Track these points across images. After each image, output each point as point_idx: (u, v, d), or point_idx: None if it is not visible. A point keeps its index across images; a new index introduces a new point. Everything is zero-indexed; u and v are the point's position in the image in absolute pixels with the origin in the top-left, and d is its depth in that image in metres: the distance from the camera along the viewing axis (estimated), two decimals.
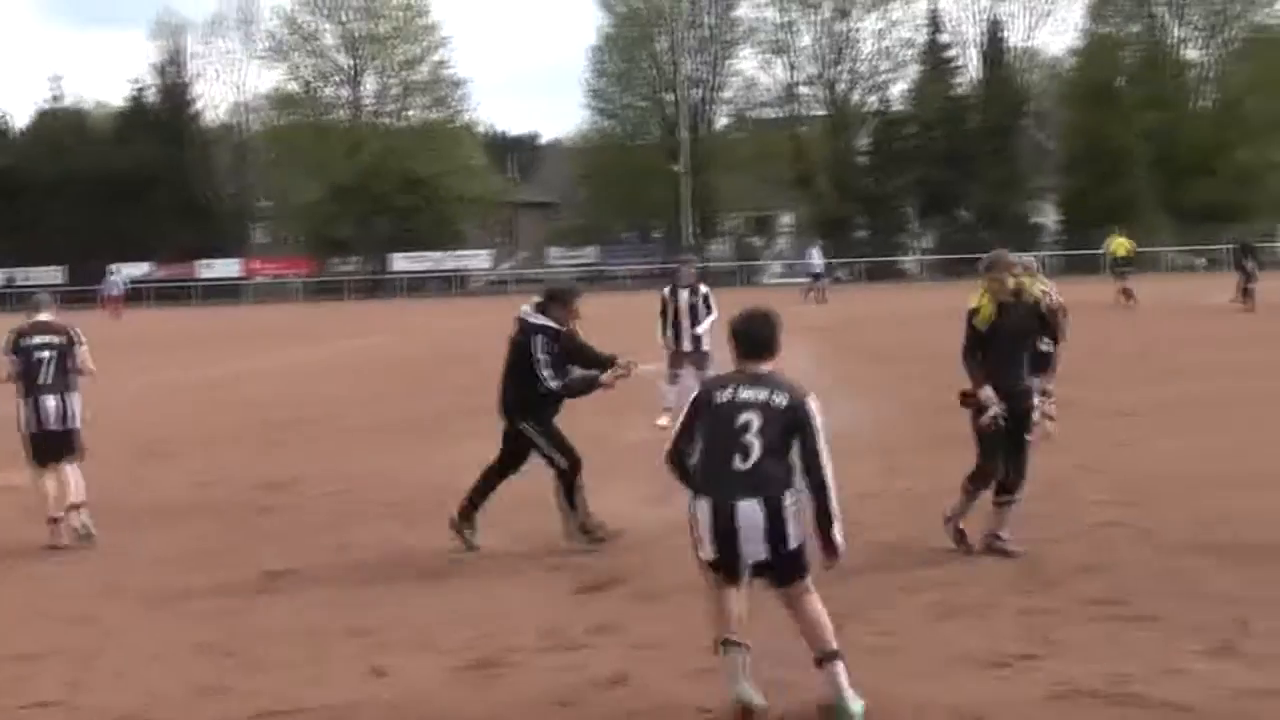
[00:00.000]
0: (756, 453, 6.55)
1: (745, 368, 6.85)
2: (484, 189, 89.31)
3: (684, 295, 18.44)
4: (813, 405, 6.65)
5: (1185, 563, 9.29)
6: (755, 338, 6.95)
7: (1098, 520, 10.69)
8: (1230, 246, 50.37)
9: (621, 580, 9.34)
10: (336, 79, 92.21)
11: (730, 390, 6.77)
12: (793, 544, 6.57)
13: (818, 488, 6.59)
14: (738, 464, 6.57)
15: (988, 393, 9.48)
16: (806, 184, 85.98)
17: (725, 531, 6.56)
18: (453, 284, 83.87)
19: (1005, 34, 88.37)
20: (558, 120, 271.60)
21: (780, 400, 6.64)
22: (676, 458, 6.91)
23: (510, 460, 10.77)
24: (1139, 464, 13.25)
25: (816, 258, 56.11)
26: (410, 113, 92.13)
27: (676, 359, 18.17)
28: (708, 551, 6.67)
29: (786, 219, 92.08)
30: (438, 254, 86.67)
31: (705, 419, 6.80)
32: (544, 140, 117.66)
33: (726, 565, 6.67)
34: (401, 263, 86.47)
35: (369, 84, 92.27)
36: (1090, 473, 12.80)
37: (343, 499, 13.11)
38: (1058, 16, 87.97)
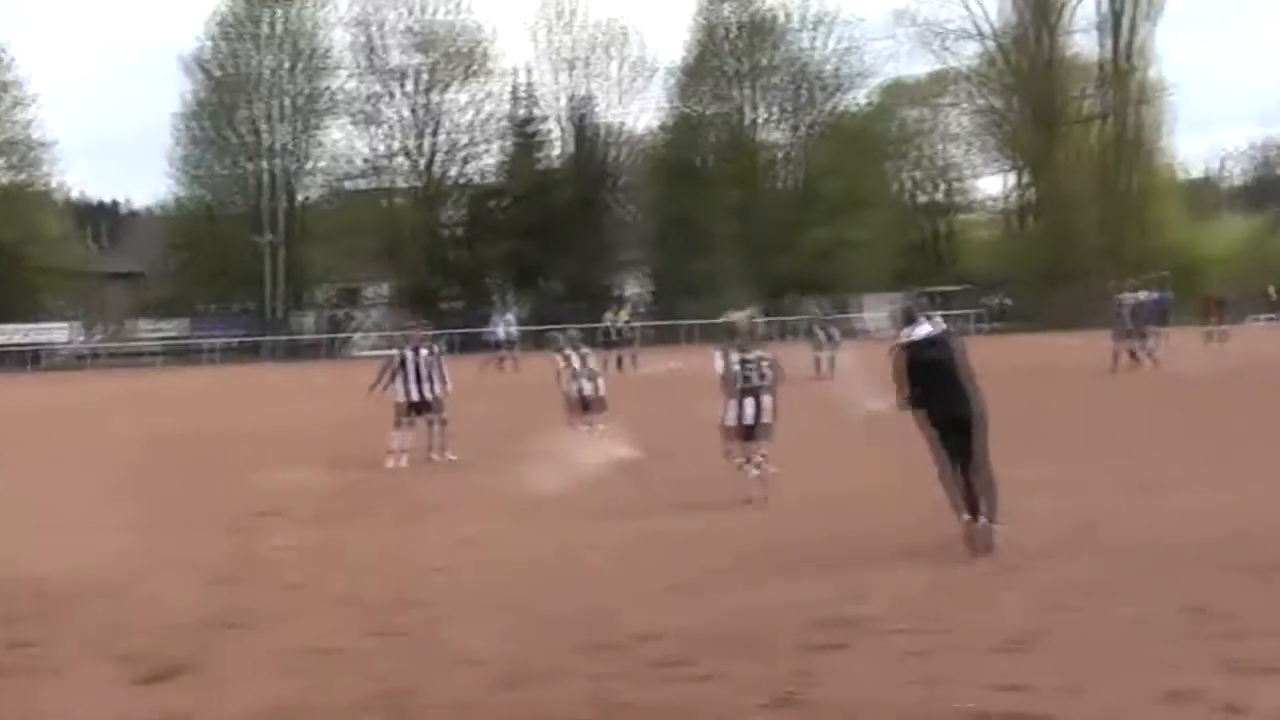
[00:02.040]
0: None
1: None
2: (67, 258, 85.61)
3: (423, 354, 21.82)
4: None
5: (749, 619, 9.54)
6: None
7: (668, 584, 10.92)
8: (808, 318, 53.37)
9: (186, 668, 9.05)
10: None
11: None
12: None
13: None
14: None
15: None
16: (396, 255, 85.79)
17: None
18: (28, 359, 78.77)
19: (593, 110, 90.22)
20: (145, 187, 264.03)
21: None
22: None
23: None
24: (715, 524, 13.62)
25: (506, 326, 55.56)
26: None
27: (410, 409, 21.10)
28: None
29: (376, 290, 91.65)
30: (12, 327, 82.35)
31: None
32: (131, 207, 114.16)
33: None
34: None
35: None
36: (658, 538, 13.11)
37: None
38: (644, 94, 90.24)
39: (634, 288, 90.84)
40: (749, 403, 15.37)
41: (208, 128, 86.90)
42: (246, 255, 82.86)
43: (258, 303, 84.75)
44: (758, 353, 15.67)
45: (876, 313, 75.61)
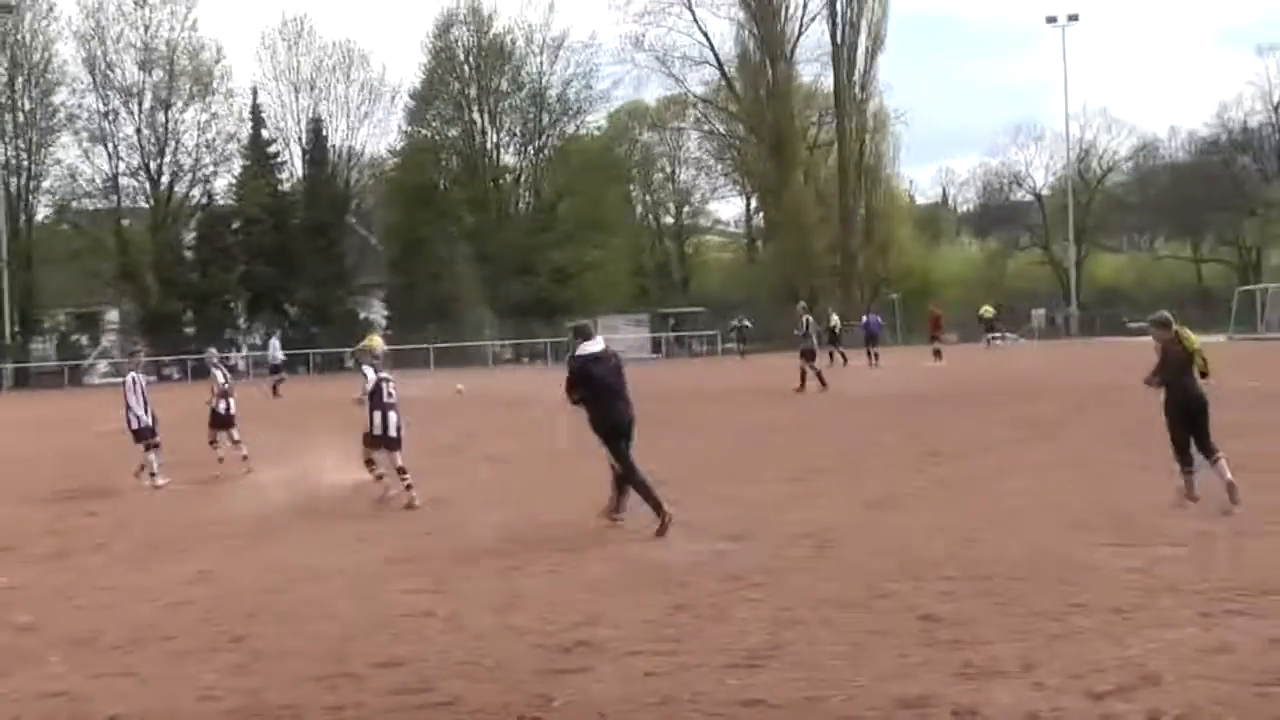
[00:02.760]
0: None
1: None
2: None
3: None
4: None
5: (491, 645, 9.47)
6: None
7: (405, 610, 10.81)
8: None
9: None
10: None
11: None
12: None
13: None
14: None
15: None
16: (132, 279, 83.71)
17: None
18: None
19: (326, 133, 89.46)
20: None
21: None
22: None
23: None
24: (449, 552, 13.56)
25: (276, 349, 54.09)
26: None
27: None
28: None
29: (113, 315, 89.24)
30: None
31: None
32: None
33: None
34: None
35: None
36: (399, 564, 13.03)
37: None
38: (377, 118, 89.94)
39: (374, 312, 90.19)
40: (392, 415, 17.52)
41: None
42: None
43: None
44: (389, 374, 18.02)
45: (614, 335, 76.32)
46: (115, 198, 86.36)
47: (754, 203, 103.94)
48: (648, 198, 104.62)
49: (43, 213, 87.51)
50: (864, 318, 61.46)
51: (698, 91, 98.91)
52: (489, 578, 12.06)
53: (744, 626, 9.67)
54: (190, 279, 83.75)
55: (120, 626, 10.77)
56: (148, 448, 20.85)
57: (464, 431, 28.77)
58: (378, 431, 17.51)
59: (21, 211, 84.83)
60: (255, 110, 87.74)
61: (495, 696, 8.19)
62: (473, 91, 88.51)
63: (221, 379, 22.95)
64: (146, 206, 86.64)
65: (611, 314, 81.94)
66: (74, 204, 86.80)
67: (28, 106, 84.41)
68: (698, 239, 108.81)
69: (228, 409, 22.70)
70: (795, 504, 15.70)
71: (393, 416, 17.51)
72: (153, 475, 20.59)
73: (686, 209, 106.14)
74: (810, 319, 38.99)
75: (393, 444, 17.54)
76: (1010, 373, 43.58)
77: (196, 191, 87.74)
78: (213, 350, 26.26)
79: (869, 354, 53.47)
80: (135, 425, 20.99)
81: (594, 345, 14.68)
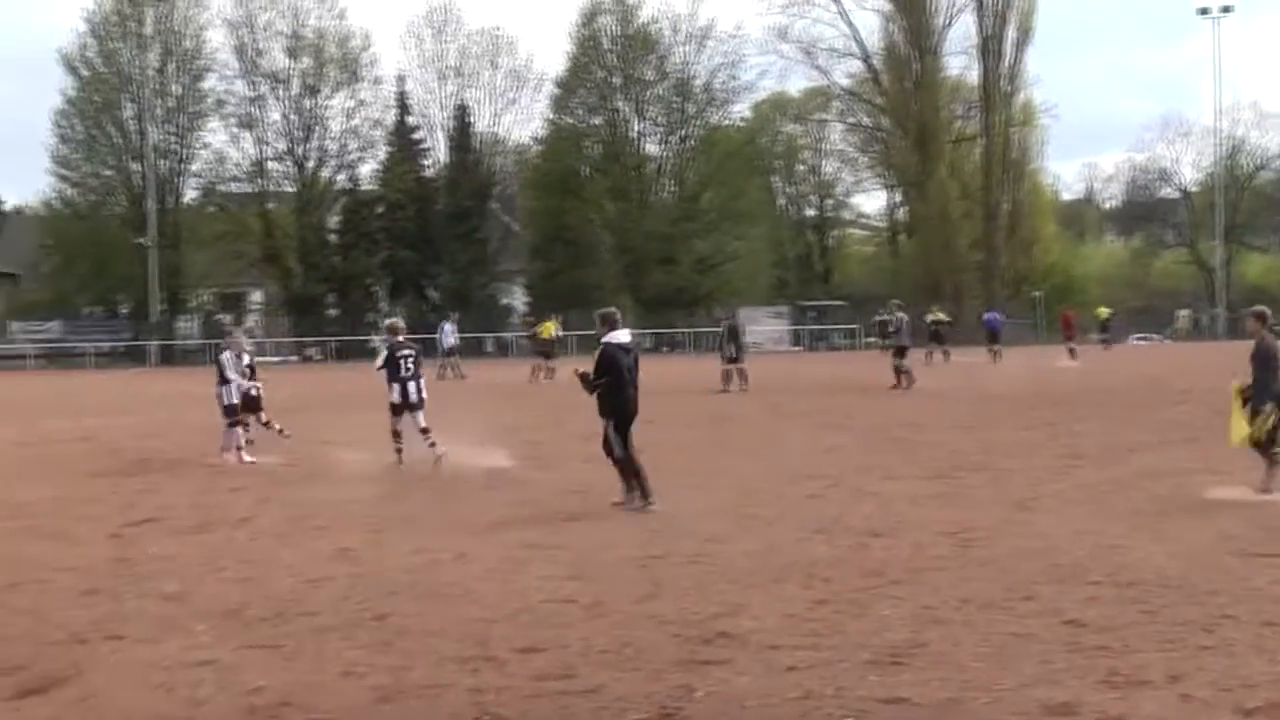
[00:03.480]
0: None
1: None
2: None
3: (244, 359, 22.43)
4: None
5: (633, 634, 9.46)
6: None
7: (547, 596, 10.85)
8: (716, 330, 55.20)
9: (61, 681, 8.86)
10: None
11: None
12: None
13: None
14: None
15: None
16: (276, 261, 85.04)
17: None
18: None
19: (471, 119, 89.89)
20: (21, 186, 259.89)
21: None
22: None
23: None
24: (591, 539, 13.63)
25: (450, 333, 54.71)
26: None
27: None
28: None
29: (257, 296, 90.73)
30: None
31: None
32: (7, 207, 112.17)
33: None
34: None
35: None
36: (541, 549, 13.07)
37: None
38: (522, 105, 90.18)
39: (515, 298, 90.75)
40: (410, 385, 20.39)
41: (88, 126, 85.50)
42: (126, 257, 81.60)
43: (137, 306, 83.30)
44: (413, 349, 20.80)
45: (755, 326, 76.14)
46: (261, 181, 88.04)
47: (897, 196, 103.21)
48: (790, 189, 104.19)
49: (190, 195, 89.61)
50: (985, 314, 61.30)
51: (843, 84, 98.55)
52: (629, 566, 12.10)
53: (886, 623, 9.60)
54: (333, 262, 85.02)
55: (264, 600, 10.96)
56: (232, 424, 21.62)
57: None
58: (397, 399, 20.39)
59: (170, 193, 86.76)
60: (401, 97, 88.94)
61: (637, 686, 8.20)
62: (617, 80, 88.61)
63: (246, 363, 23.29)
64: (291, 190, 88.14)
65: (752, 305, 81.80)
66: (220, 187, 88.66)
67: (178, 92, 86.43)
68: (840, 232, 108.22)
69: (257, 392, 23.07)
70: (937, 502, 15.57)
71: (411, 386, 20.37)
72: (239, 449, 21.41)
73: (829, 201, 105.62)
74: (904, 316, 39.10)
75: (414, 407, 20.42)
76: (1150, 374, 42.90)
77: (341, 176, 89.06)
78: (236, 335, 26.48)
79: (991, 351, 53.79)
80: (227, 401, 21.77)
81: (622, 335, 15.57)
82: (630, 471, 15.37)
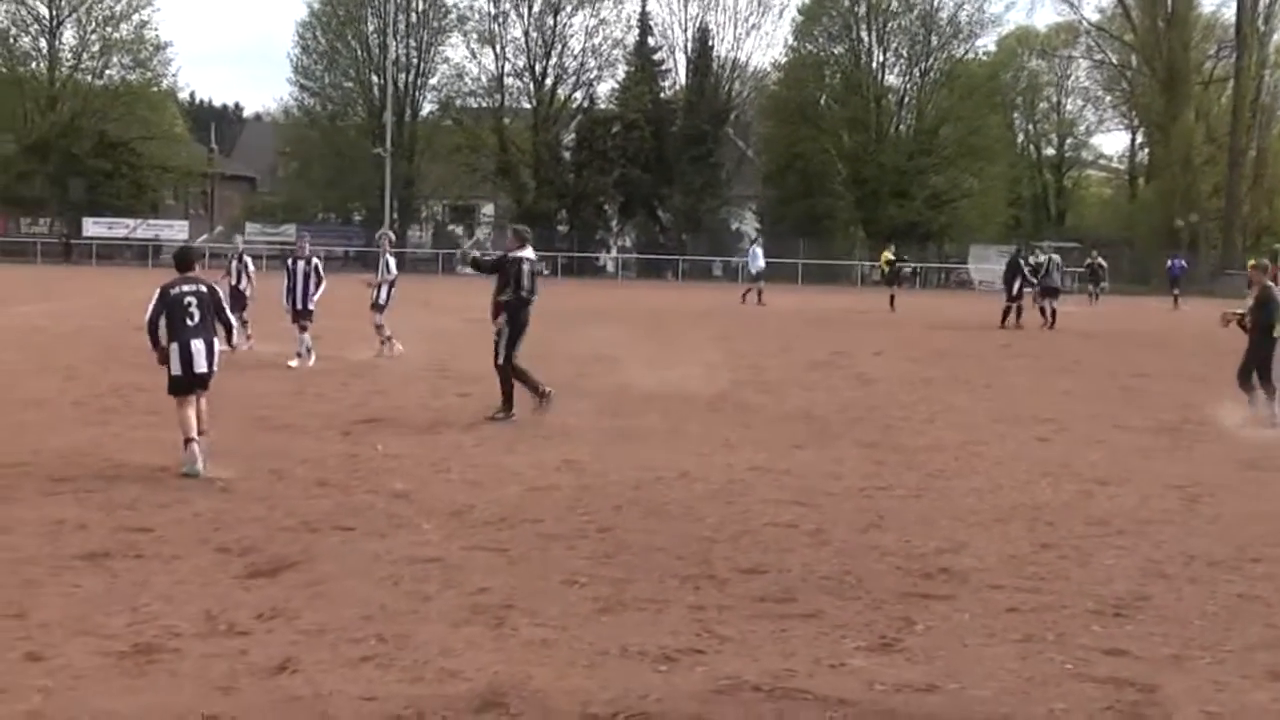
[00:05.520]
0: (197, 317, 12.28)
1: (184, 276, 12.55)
2: (183, 158, 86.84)
3: (300, 266, 23.10)
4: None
5: (854, 563, 9.49)
6: (183, 259, 12.91)
7: (770, 520, 10.88)
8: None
9: (290, 565, 9.16)
10: (34, 28, 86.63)
11: (178, 288, 12.31)
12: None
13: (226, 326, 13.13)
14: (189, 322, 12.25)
15: None
16: (510, 175, 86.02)
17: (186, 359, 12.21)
18: (148, 253, 79.07)
19: (713, 43, 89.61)
20: (263, 93, 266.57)
21: (204, 289, 12.47)
22: (152, 329, 12.24)
23: None
24: (815, 467, 13.59)
25: (758, 257, 54.94)
26: (110, 72, 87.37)
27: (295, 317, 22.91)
28: (177, 369, 12.24)
29: (488, 209, 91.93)
30: (132, 221, 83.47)
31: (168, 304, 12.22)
32: (247, 113, 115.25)
33: (187, 383, 12.27)
34: (95, 228, 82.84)
35: (68, 37, 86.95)
36: (765, 473, 13.11)
37: (7, 475, 12.10)
38: (764, 30, 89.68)
39: (746, 224, 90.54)
40: (383, 290, 24.54)
41: (330, 38, 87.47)
42: (362, 166, 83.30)
43: (370, 215, 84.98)
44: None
45: (984, 264, 74.98)
46: (499, 97, 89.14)
47: (1139, 138, 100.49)
48: (1030, 127, 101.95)
49: (428, 109, 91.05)
50: (1169, 261, 62.38)
51: (1092, 19, 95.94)
52: (853, 496, 12.13)
53: (1110, 573, 9.47)
54: (566, 179, 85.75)
55: (489, 504, 11.24)
56: (302, 329, 22.77)
57: (836, 348, 28.75)
58: (383, 301, 24.33)
59: (408, 106, 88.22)
60: (644, 18, 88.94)
61: (858, 614, 8.24)
62: (862, 9, 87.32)
63: (252, 268, 25.68)
64: (529, 107, 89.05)
65: (983, 243, 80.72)
66: (458, 101, 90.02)
67: (421, 7, 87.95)
68: (1078, 173, 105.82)
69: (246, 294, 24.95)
70: (1165, 454, 15.26)
71: (383, 290, 24.33)
72: (305, 353, 22.67)
73: (1069, 141, 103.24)
74: (1056, 258, 39.97)
75: (378, 309, 24.30)
76: None
77: (579, 95, 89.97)
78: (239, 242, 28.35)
79: (1174, 297, 55.87)
80: (296, 306, 22.94)
81: (529, 252, 16.77)
82: (518, 375, 16.53)
